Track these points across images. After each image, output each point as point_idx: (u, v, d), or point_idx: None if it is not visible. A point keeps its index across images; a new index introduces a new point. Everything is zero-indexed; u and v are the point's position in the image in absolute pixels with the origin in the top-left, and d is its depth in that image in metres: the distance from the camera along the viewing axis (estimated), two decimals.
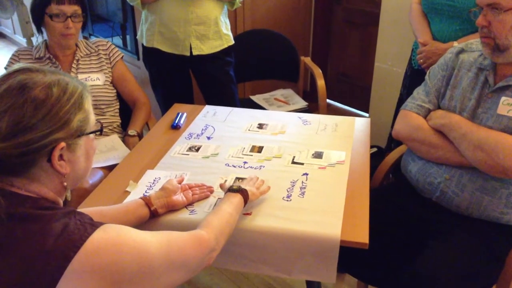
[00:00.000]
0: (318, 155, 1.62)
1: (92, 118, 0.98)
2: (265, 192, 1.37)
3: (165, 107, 2.29)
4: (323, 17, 3.56)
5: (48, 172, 0.90)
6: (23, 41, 4.82)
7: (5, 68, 1.98)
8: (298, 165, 1.57)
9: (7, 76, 0.89)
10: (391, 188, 1.80)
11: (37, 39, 2.04)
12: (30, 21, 3.13)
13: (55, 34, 1.91)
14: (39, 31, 1.97)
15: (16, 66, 0.93)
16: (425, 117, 1.58)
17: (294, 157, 1.62)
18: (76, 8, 1.89)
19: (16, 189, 0.87)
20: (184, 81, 2.44)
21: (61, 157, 0.91)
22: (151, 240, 0.92)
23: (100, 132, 1.01)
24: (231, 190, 1.27)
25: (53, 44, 1.96)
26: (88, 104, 0.96)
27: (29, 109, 0.85)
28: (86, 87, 0.98)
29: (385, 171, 1.82)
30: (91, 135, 0.98)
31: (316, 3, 3.52)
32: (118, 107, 2.11)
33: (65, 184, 0.94)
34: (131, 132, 2.01)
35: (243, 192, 1.26)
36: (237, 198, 1.24)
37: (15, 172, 0.88)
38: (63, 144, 0.89)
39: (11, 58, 1.99)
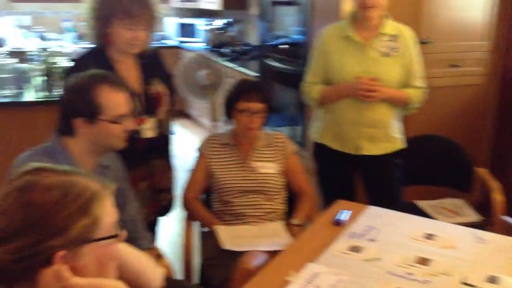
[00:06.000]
0: (493, 280, 1.46)
1: (107, 222, 0.87)
2: None
3: (326, 201, 2.33)
4: (507, 125, 3.34)
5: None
6: (206, 123, 5.43)
7: (198, 150, 2.23)
8: (469, 287, 1.43)
9: (19, 175, 0.86)
10: None
11: (220, 124, 2.30)
12: (216, 108, 3.54)
13: (240, 126, 2.13)
14: (229, 120, 2.22)
15: (29, 166, 0.87)
16: None
17: (465, 277, 1.48)
18: (262, 106, 2.09)
19: None
20: (348, 179, 2.48)
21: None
22: None
23: (115, 237, 0.89)
24: None
25: (238, 133, 2.19)
26: (100, 208, 0.86)
27: (20, 213, 0.81)
28: (106, 189, 0.89)
29: None
30: (104, 241, 0.86)
31: (498, 110, 3.33)
32: (285, 195, 2.22)
33: None
34: (295, 221, 2.08)
35: None
36: None
37: (16, 278, 0.82)
38: (62, 252, 0.81)
39: (204, 141, 2.23)
